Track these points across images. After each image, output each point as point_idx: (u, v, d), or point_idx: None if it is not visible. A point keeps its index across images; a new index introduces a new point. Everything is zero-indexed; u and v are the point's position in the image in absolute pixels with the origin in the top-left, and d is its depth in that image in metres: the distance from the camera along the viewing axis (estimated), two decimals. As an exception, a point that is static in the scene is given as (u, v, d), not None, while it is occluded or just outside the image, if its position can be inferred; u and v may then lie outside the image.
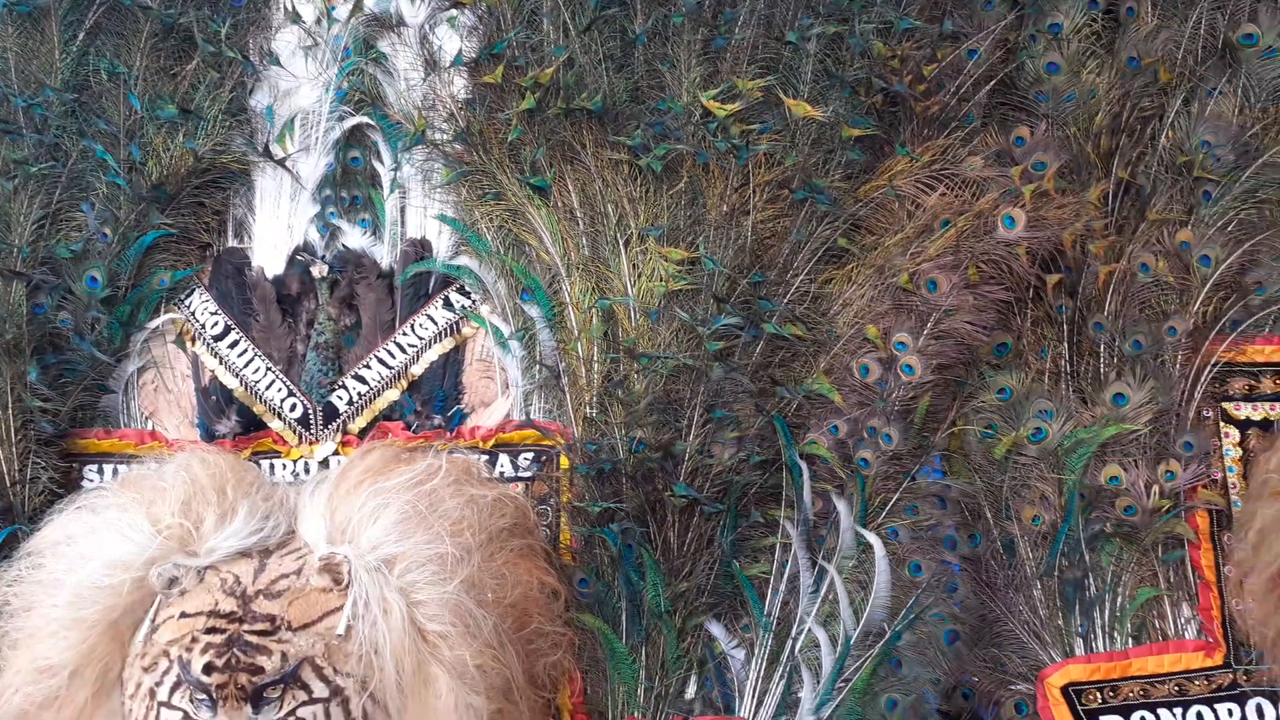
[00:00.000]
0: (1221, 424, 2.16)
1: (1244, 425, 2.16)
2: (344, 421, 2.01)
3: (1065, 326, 2.14)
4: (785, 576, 1.89)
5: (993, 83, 2.08)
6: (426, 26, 2.18)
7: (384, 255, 2.12)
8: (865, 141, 2.01)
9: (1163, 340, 2.11)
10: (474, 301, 2.08)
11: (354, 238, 2.14)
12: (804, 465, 1.91)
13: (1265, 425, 2.15)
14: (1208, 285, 2.12)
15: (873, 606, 1.88)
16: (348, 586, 1.55)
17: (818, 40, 1.98)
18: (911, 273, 1.98)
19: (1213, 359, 2.14)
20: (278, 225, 2.16)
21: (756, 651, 1.86)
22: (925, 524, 1.99)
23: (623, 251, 1.99)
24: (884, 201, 2.02)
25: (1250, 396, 2.17)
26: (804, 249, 1.99)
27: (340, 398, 2.02)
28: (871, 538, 1.91)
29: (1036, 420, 2.08)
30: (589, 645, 1.83)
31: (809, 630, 1.86)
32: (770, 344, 1.95)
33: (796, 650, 1.86)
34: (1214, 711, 2.02)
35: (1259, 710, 2.05)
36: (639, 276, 1.97)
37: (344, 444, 2.00)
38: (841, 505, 1.93)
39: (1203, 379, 2.14)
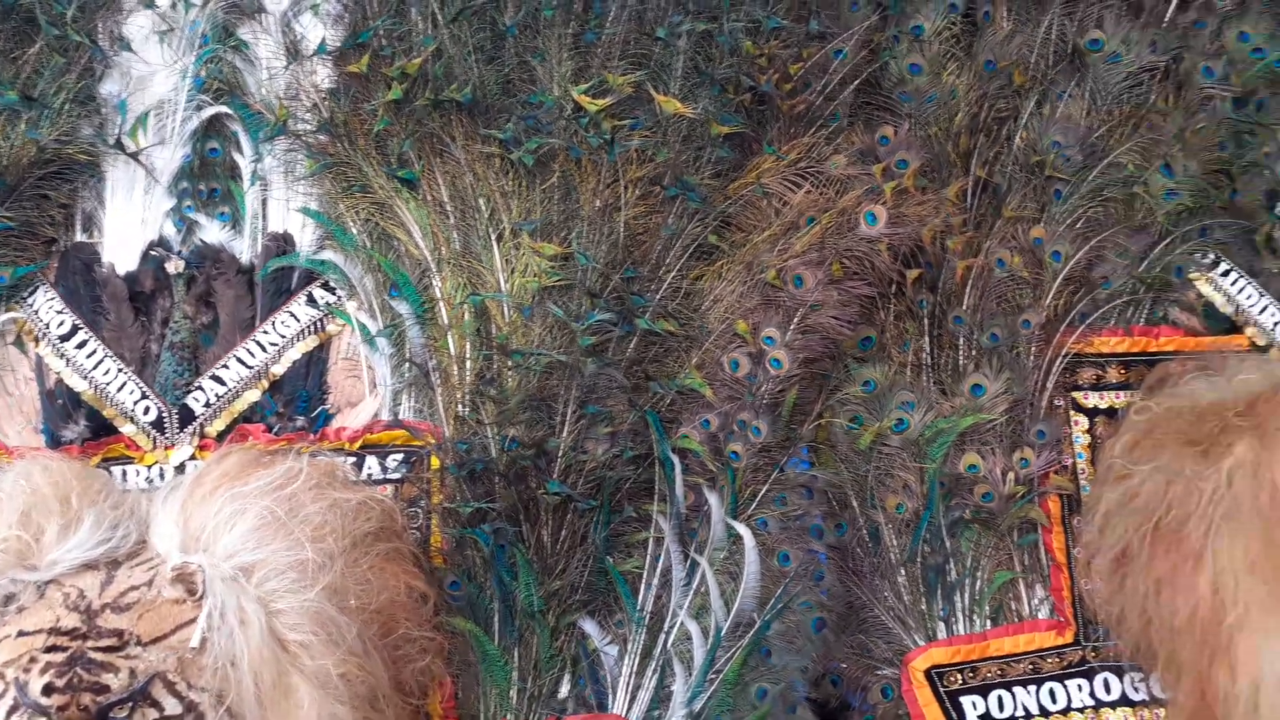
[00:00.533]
0: (1071, 412, 2.27)
1: (1092, 413, 2.28)
2: (201, 424, 1.93)
3: (926, 320, 2.22)
4: (658, 571, 1.90)
5: (857, 82, 2.13)
6: (289, 14, 2.10)
7: (244, 250, 2.04)
8: (734, 139, 2.03)
9: (1018, 333, 2.20)
10: (339, 298, 2.02)
11: (212, 232, 2.05)
12: (676, 459, 1.93)
13: (1111, 413, 2.27)
14: (1058, 280, 2.22)
15: (743, 597, 1.91)
16: (202, 597, 1.48)
17: (688, 37, 1.99)
18: (779, 269, 2.01)
19: (1063, 350, 2.24)
20: (130, 219, 2.06)
21: (629, 647, 1.87)
22: (793, 514, 2.03)
23: (495, 246, 1.96)
24: (752, 199, 2.05)
25: (1098, 386, 2.28)
26: (676, 245, 2.00)
27: (197, 399, 1.93)
28: (741, 529, 1.94)
29: (899, 411, 2.15)
30: (460, 649, 1.80)
31: (681, 623, 1.88)
32: (643, 340, 1.96)
33: (669, 644, 1.87)
34: (1065, 688, 2.13)
35: (1105, 684, 2.17)
36: (512, 272, 1.95)
37: (201, 448, 1.91)
38: (713, 498, 1.95)
39: (1054, 370, 2.24)
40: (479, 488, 1.83)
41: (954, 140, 2.21)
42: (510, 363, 1.88)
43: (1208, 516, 1.90)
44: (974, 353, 2.20)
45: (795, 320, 2.05)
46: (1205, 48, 2.26)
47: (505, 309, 1.93)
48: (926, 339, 2.23)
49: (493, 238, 1.96)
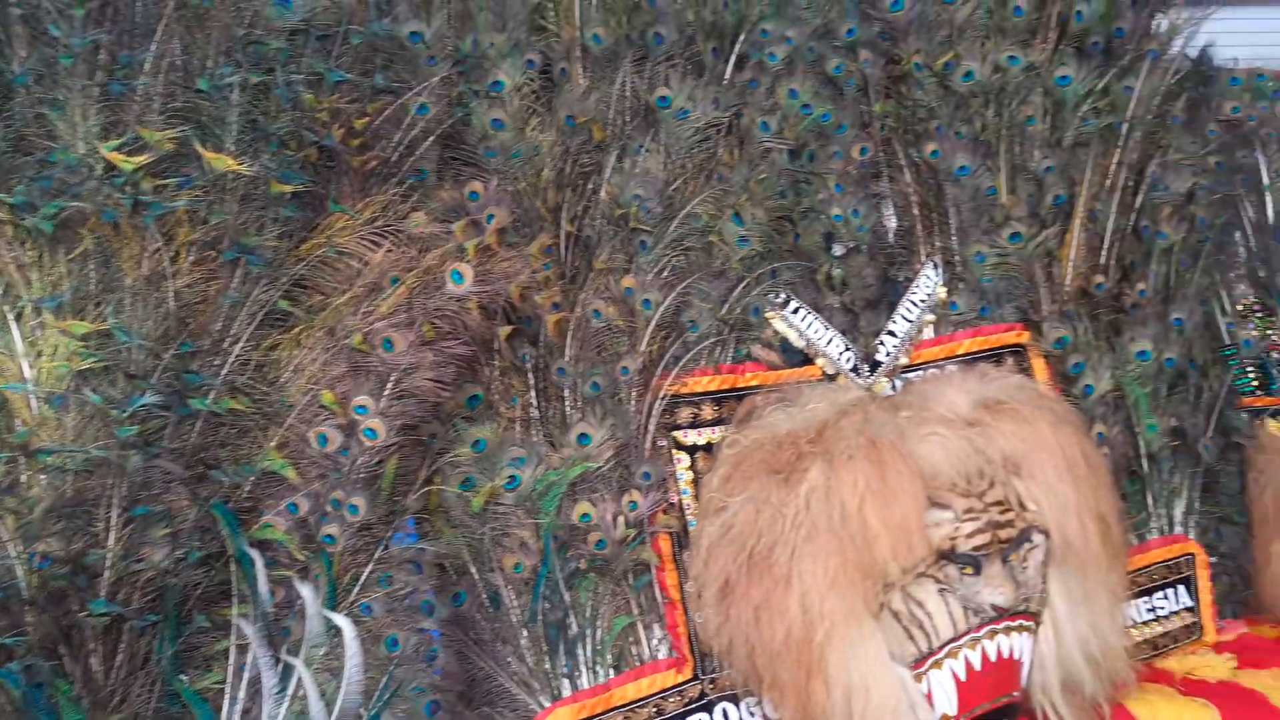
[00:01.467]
0: (674, 451, 2.34)
1: (692, 450, 2.36)
2: None
3: (531, 374, 2.20)
4: (244, 681, 1.69)
5: (432, 138, 2.07)
6: None
7: None
8: (304, 197, 1.89)
9: (618, 380, 2.24)
10: None
11: None
12: (256, 554, 1.73)
13: (708, 449, 2.37)
14: (651, 326, 2.29)
15: (346, 694, 1.75)
16: None
17: (240, 90, 1.82)
18: (365, 333, 1.89)
19: (661, 393, 2.31)
20: None
21: (213, 775, 1.65)
22: (401, 593, 1.91)
23: (13, 327, 1.67)
24: (330, 260, 1.92)
25: (695, 424, 2.38)
26: (241, 313, 1.81)
27: None
28: (340, 620, 1.77)
29: (510, 468, 2.10)
30: (-16, 820, 1.49)
31: (276, 736, 1.69)
32: (209, 422, 1.75)
33: (261, 762, 1.67)
34: (688, 724, 2.17)
35: (725, 714, 2.24)
36: (37, 355, 1.67)
37: None
38: (306, 590, 1.77)
39: (654, 412, 2.31)
40: (2, 619, 1.53)
41: (542, 195, 2.22)
42: (37, 464, 1.59)
43: (791, 541, 2.03)
44: (579, 402, 2.22)
45: (389, 386, 1.93)
46: (761, 104, 2.46)
47: (31, 401, 1.64)
48: (533, 393, 2.21)
49: (10, 317, 1.66)
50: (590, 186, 2.29)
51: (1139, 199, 2.77)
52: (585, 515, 2.17)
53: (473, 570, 2.12)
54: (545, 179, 2.22)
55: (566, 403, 2.22)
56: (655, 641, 2.23)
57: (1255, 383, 3.30)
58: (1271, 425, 3.27)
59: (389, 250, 1.92)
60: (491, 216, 2.09)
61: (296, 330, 1.88)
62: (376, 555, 1.91)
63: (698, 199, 2.36)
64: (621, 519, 2.18)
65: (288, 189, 1.82)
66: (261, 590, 1.72)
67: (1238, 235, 3.34)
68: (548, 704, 2.07)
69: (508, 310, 2.12)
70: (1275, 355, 3.30)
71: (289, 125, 1.84)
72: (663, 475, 2.29)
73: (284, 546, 1.78)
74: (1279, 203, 3.33)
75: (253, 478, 1.78)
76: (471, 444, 2.11)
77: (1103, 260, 2.73)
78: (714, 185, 2.38)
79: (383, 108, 1.95)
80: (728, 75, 2.44)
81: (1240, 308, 3.32)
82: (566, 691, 2.11)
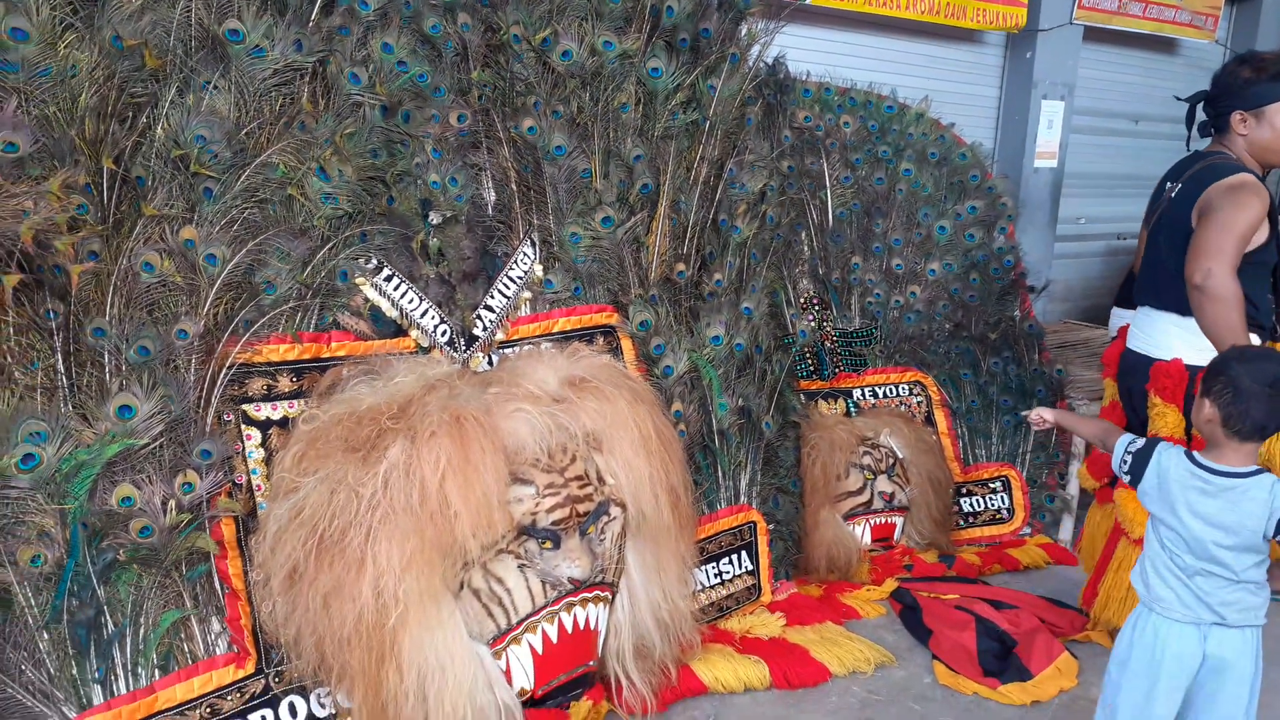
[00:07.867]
0: (243, 427, 2.12)
1: (264, 426, 2.15)
2: None
3: (59, 335, 1.86)
4: None
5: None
6: None
7: None
8: None
9: (174, 344, 1.98)
10: None
11: None
12: None
13: (285, 424, 2.17)
14: (216, 285, 2.05)
15: None
16: None
17: None
18: None
19: (228, 361, 2.08)
20: None
21: None
22: None
23: None
24: None
25: (269, 396, 2.17)
26: None
27: None
28: None
29: (28, 445, 1.78)
30: None
31: None
32: None
33: None
34: (246, 723, 1.97)
35: (291, 708, 2.07)
36: None
37: None
38: None
39: (220, 382, 2.07)
40: None
41: (79, 124, 1.88)
42: None
43: (366, 523, 1.90)
44: (122, 369, 1.92)
45: None
46: (352, 54, 2.28)
47: None
48: (60, 357, 1.87)
49: None
50: (144, 120, 1.99)
51: (718, 194, 2.95)
52: (127, 499, 1.89)
53: (-28, 565, 1.76)
54: (84, 105, 1.89)
55: (106, 369, 1.91)
56: (213, 636, 2.00)
57: (811, 368, 3.71)
58: (823, 406, 3.69)
59: None
60: (12, 146, 1.75)
61: None
62: None
63: (275, 148, 2.14)
64: (173, 503, 1.93)
65: None
66: None
67: (802, 235, 3.73)
68: (74, 715, 1.78)
69: (22, 256, 1.77)
70: (828, 345, 3.72)
71: None
72: (227, 453, 2.06)
73: None
74: (838, 207, 3.76)
75: None
76: (-31, 418, 1.75)
77: (685, 250, 2.88)
78: (295, 134, 2.17)
79: None
80: (313, 18, 2.23)
81: (802, 300, 3.70)
82: (99, 699, 1.83)
